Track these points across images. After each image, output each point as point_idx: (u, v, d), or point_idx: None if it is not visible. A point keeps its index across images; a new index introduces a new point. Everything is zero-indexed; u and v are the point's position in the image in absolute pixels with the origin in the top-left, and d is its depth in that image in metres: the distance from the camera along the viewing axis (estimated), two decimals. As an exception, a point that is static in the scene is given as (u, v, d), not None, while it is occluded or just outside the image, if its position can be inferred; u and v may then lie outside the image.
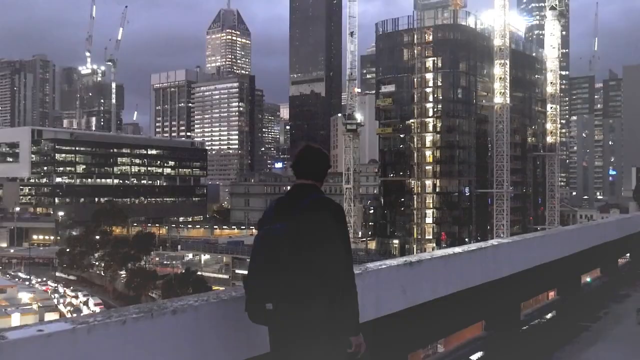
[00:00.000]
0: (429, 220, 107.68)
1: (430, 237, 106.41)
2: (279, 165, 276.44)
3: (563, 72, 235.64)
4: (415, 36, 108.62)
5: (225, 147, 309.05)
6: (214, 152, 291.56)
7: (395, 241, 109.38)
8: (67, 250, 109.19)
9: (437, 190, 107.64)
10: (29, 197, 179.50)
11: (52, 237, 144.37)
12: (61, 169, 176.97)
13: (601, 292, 10.21)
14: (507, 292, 6.55)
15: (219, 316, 3.29)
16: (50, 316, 68.57)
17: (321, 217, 3.23)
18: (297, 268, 3.14)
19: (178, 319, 3.01)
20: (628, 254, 13.55)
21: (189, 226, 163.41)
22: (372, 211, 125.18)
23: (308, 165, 3.54)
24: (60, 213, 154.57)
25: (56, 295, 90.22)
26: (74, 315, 69.04)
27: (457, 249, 5.73)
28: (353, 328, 3.25)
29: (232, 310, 3.35)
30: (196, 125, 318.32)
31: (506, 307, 6.72)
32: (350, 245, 3.39)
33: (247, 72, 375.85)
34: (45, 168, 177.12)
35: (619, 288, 10.48)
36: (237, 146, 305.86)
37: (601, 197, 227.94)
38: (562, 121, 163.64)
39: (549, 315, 8.18)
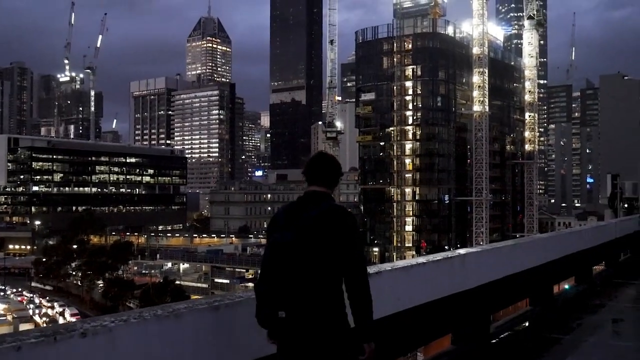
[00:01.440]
0: (408, 228, 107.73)
1: (410, 245, 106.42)
2: (259, 173, 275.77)
3: (541, 81, 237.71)
4: (395, 44, 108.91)
5: (206, 155, 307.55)
6: (194, 160, 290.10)
7: (375, 249, 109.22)
8: (44, 259, 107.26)
9: (417, 198, 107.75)
10: (5, 206, 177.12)
11: (28, 247, 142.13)
12: (38, 177, 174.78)
13: (575, 302, 9.95)
14: (475, 304, 6.26)
15: (140, 340, 2.88)
16: (25, 327, 67.26)
17: (334, 226, 3.24)
18: (311, 277, 3.16)
19: (88, 343, 2.61)
20: (603, 262, 13.37)
21: (169, 235, 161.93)
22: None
23: (321, 172, 3.51)
24: (37, 222, 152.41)
25: (32, 305, 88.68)
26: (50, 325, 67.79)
27: (421, 259, 5.43)
28: (367, 334, 3.28)
29: (158, 333, 2.96)
30: (176, 133, 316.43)
31: (475, 320, 6.43)
32: (363, 253, 3.43)
33: (227, 80, 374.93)
34: (21, 176, 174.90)
35: (593, 298, 10.25)
36: (217, 154, 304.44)
37: (579, 205, 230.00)
38: (540, 129, 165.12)
39: (520, 327, 7.89)
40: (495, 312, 7.41)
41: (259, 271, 3.31)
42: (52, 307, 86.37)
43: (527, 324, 8.08)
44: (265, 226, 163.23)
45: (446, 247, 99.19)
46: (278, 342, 3.25)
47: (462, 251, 6.20)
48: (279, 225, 3.34)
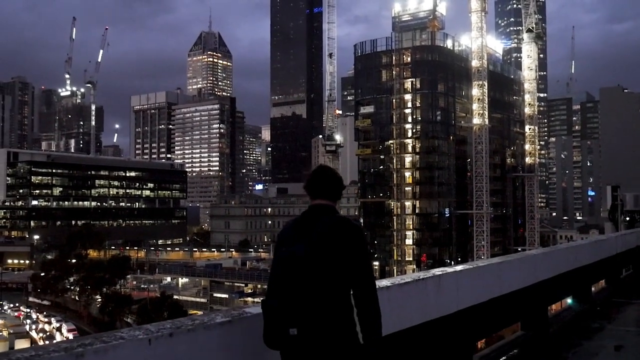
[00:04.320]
0: (409, 241, 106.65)
1: (411, 258, 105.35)
2: (260, 187, 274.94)
3: (541, 94, 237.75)
4: (394, 57, 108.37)
5: (206, 168, 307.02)
6: (194, 174, 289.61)
7: (376, 263, 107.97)
8: (42, 274, 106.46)
9: (417, 211, 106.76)
10: (4, 220, 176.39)
11: (27, 261, 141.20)
12: (37, 191, 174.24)
13: (571, 325, 9.11)
14: (454, 332, 5.48)
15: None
16: (21, 343, 66.46)
17: (343, 239, 3.19)
18: (321, 291, 3.08)
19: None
20: (603, 280, 12.53)
21: (168, 249, 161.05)
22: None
23: (324, 185, 3.47)
24: (36, 236, 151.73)
25: (29, 321, 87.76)
26: (47, 342, 66.82)
27: (385, 282, 4.66)
28: (376, 350, 3.19)
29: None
30: (176, 147, 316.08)
31: (454, 350, 5.63)
32: (372, 265, 3.35)
33: (228, 94, 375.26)
34: (20, 191, 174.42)
35: (592, 320, 9.39)
36: (217, 168, 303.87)
37: (581, 218, 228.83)
38: (540, 142, 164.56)
39: (508, 357, 7.05)
40: (478, 340, 6.62)
41: (267, 286, 3.25)
42: (49, 323, 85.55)
43: (517, 352, 7.24)
44: (266, 240, 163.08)
45: (447, 260, 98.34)
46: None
47: (437, 271, 5.42)
48: (287, 239, 3.27)
